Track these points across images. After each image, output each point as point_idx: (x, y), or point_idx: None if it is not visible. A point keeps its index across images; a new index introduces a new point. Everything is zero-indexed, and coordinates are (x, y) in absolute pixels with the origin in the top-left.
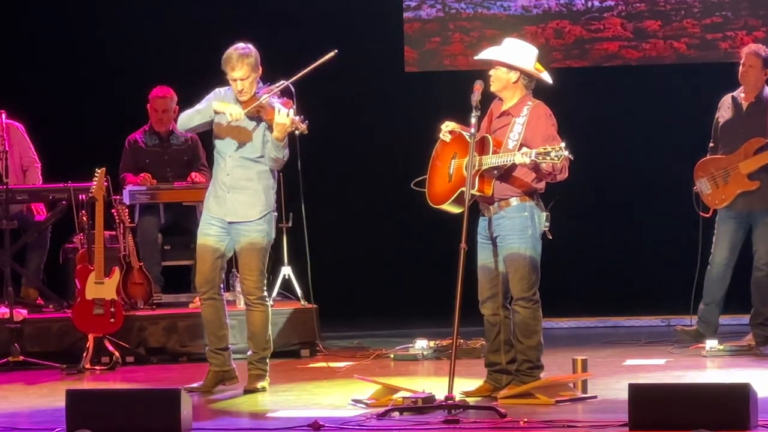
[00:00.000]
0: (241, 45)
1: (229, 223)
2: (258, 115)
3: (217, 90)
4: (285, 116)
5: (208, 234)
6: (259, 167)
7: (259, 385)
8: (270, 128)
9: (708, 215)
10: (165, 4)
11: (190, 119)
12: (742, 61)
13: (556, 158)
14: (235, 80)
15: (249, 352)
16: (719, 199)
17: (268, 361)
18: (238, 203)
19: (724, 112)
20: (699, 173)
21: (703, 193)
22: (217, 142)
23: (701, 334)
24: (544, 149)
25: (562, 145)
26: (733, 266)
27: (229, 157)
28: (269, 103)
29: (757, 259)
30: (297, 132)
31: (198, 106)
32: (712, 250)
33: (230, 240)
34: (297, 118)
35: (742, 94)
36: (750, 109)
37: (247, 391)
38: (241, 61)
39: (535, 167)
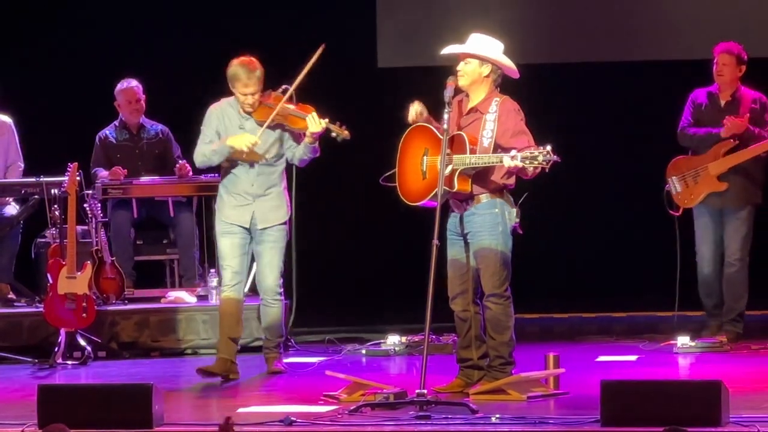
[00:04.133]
0: (246, 60)
1: (254, 228)
2: (280, 124)
3: (211, 111)
4: (319, 125)
5: (234, 233)
6: (278, 170)
7: (279, 367)
8: (292, 133)
9: (678, 214)
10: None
11: (209, 160)
12: (716, 60)
13: (544, 162)
14: (246, 95)
15: (264, 338)
16: (688, 198)
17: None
18: (266, 209)
19: (701, 109)
20: (671, 172)
21: (674, 191)
22: (241, 154)
23: (720, 324)
24: (531, 153)
25: (549, 148)
26: (721, 260)
27: (251, 168)
28: (294, 113)
29: (729, 255)
30: (339, 138)
31: (212, 146)
32: (696, 249)
33: (251, 240)
34: (336, 124)
35: (717, 93)
36: (727, 107)
37: (272, 372)
38: (252, 77)
39: (517, 168)
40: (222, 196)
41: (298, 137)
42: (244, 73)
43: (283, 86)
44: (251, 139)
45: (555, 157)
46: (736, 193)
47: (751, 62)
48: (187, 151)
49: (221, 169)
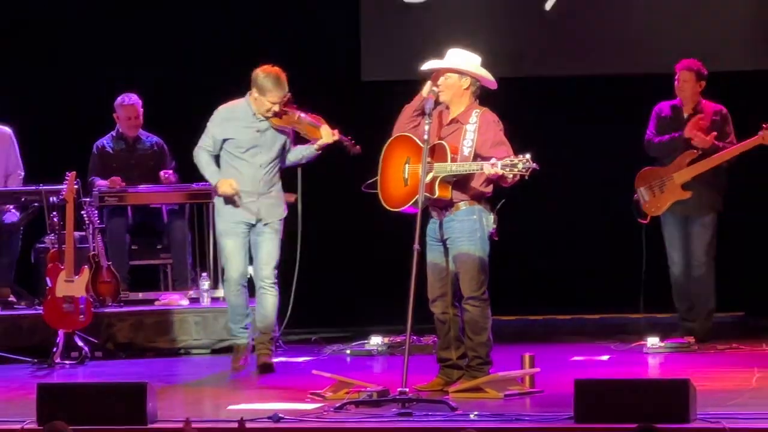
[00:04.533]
0: (276, 71)
1: (258, 222)
2: (289, 129)
3: (219, 112)
4: (331, 136)
5: (237, 234)
6: (277, 168)
7: (271, 360)
8: (301, 140)
9: (646, 222)
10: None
11: (202, 170)
12: (677, 76)
13: (524, 169)
14: (274, 103)
15: (257, 334)
16: (656, 207)
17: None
18: (269, 206)
19: (667, 121)
20: (639, 182)
21: (642, 200)
22: (246, 155)
23: (693, 327)
24: (511, 161)
25: (528, 156)
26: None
27: (260, 166)
28: (310, 123)
29: (695, 259)
30: (351, 153)
31: (207, 169)
32: (668, 255)
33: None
34: (347, 139)
35: (680, 106)
36: (689, 119)
37: (263, 366)
38: (281, 89)
39: (498, 175)
40: (225, 197)
41: (291, 139)
42: (274, 84)
43: (289, 95)
44: (234, 186)
45: (534, 165)
46: (699, 201)
47: (711, 77)
48: (182, 160)
49: (222, 169)
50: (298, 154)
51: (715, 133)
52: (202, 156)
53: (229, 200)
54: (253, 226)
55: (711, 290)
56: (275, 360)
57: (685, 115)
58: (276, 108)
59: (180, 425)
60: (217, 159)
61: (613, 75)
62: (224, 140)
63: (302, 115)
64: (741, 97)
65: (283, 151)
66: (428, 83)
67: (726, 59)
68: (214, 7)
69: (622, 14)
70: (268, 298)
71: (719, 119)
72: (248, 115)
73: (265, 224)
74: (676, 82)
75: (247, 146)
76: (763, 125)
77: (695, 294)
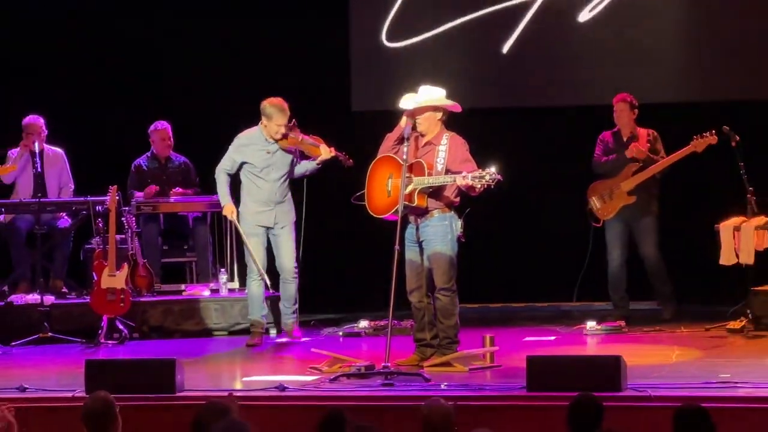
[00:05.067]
0: (280, 101)
1: (275, 225)
2: (294, 148)
3: (239, 138)
4: (329, 153)
5: (257, 234)
6: (287, 182)
7: (298, 334)
8: (305, 157)
9: (599, 225)
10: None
11: (218, 188)
12: (615, 107)
13: (490, 180)
14: (280, 126)
15: (281, 306)
16: (607, 212)
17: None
18: (283, 212)
19: (608, 145)
20: (590, 193)
21: (595, 208)
22: (262, 173)
23: (624, 313)
24: (480, 173)
25: (493, 169)
26: (626, 261)
27: (274, 181)
28: (310, 143)
29: (646, 255)
30: (345, 165)
31: (221, 188)
32: (608, 252)
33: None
34: (342, 154)
35: (619, 131)
36: (627, 142)
37: (289, 335)
38: (285, 116)
39: (468, 186)
40: (246, 204)
41: (296, 158)
42: (278, 111)
43: (293, 121)
44: (233, 214)
45: (498, 176)
46: (641, 205)
47: (643, 107)
48: (205, 176)
49: (244, 185)
50: (303, 168)
51: (648, 145)
52: (221, 177)
53: (247, 209)
54: (270, 228)
55: (665, 277)
56: (281, 340)
57: (625, 139)
58: (283, 130)
59: (199, 393)
60: (235, 176)
61: (559, 106)
62: (243, 163)
63: (304, 137)
64: (666, 124)
65: (291, 167)
66: (404, 117)
67: (653, 93)
68: (228, 53)
69: (567, 55)
70: (291, 287)
71: (652, 139)
72: (261, 140)
73: (282, 227)
74: (614, 112)
75: (261, 166)
76: (694, 136)
77: (653, 282)
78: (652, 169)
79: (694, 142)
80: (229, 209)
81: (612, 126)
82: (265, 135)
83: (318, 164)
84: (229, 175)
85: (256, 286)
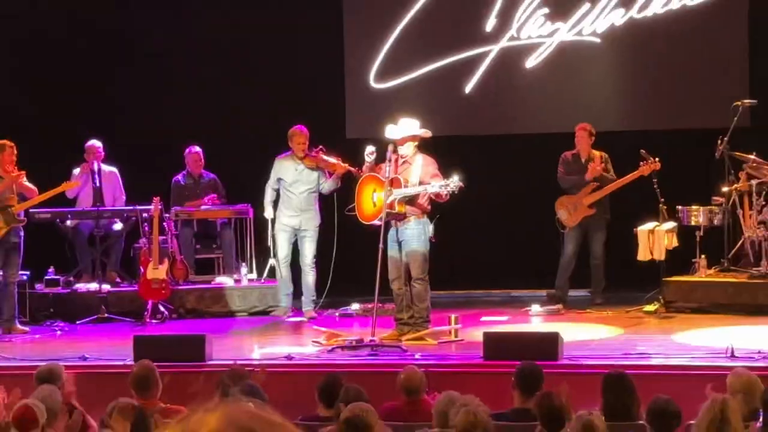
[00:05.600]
0: (300, 128)
1: (300, 228)
2: (318, 167)
3: (276, 161)
4: (343, 168)
5: (285, 232)
6: (312, 194)
7: (314, 315)
8: (324, 173)
9: (566, 231)
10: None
11: (265, 200)
12: (576, 134)
13: (455, 187)
14: (300, 144)
15: (303, 298)
16: (572, 221)
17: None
18: (307, 218)
19: (570, 164)
20: (558, 206)
21: (563, 218)
22: (291, 187)
23: (561, 299)
24: (446, 182)
25: (456, 178)
26: (576, 256)
27: (300, 193)
28: (329, 161)
29: (593, 255)
30: (357, 177)
31: (266, 198)
32: (564, 250)
33: (295, 235)
34: (354, 169)
35: (579, 153)
36: (585, 162)
37: (308, 318)
38: (305, 138)
39: (436, 194)
40: (281, 209)
41: (325, 175)
42: (297, 133)
43: (320, 146)
44: (270, 218)
45: (460, 184)
46: (598, 215)
47: (599, 134)
48: (233, 189)
49: (281, 195)
50: (329, 186)
51: (603, 164)
52: (267, 191)
53: (281, 213)
54: (297, 230)
55: (603, 274)
56: (293, 320)
57: (583, 160)
58: (303, 147)
59: (224, 362)
60: (277, 190)
61: (510, 134)
62: (279, 179)
63: (324, 157)
64: (615, 148)
65: (317, 183)
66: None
67: (606, 122)
68: (247, 91)
69: (517, 94)
70: (309, 277)
71: (604, 160)
72: (291, 160)
73: (305, 230)
74: (575, 138)
75: (291, 181)
76: (641, 162)
77: (593, 279)
78: (608, 188)
79: (641, 167)
80: (268, 215)
81: (562, 148)
82: (295, 157)
83: (337, 178)
84: (274, 189)
85: (284, 268)
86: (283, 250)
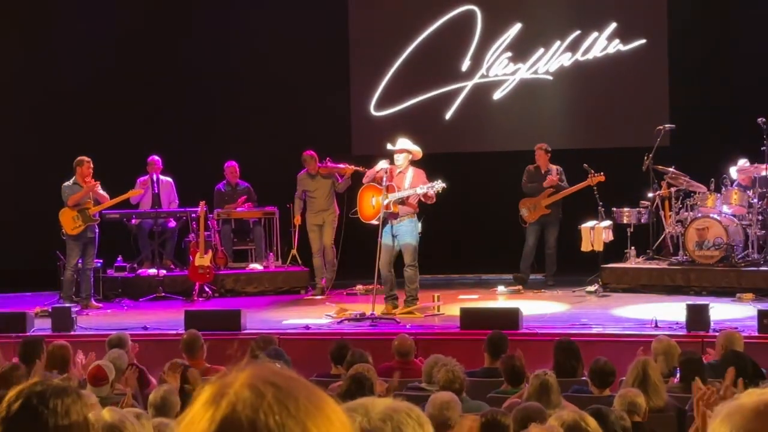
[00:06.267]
0: (311, 152)
1: (323, 225)
2: (330, 173)
3: (299, 178)
4: (351, 169)
5: (313, 230)
6: (329, 197)
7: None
8: (336, 177)
9: (526, 226)
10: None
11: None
12: (536, 152)
13: (439, 188)
14: (311, 164)
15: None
16: (532, 218)
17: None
18: (328, 214)
19: (532, 175)
20: (521, 206)
21: (525, 215)
22: (313, 194)
23: (524, 281)
24: (431, 185)
25: (439, 181)
26: (536, 246)
27: (319, 197)
28: (339, 168)
29: (547, 246)
30: (362, 173)
31: (296, 206)
32: (526, 240)
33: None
34: (361, 168)
35: (539, 166)
36: (544, 174)
37: (320, 291)
38: (313, 158)
39: (424, 195)
40: (309, 213)
41: (338, 179)
42: (311, 159)
43: (327, 158)
44: (298, 221)
45: (443, 185)
46: (553, 214)
47: (553, 151)
48: (262, 195)
49: (306, 201)
50: (343, 186)
51: (558, 176)
52: (295, 202)
53: (309, 214)
54: (321, 225)
55: (555, 261)
56: (308, 297)
57: (543, 172)
58: (315, 164)
59: (255, 331)
60: (304, 200)
61: (483, 151)
62: (304, 190)
63: (334, 165)
64: (565, 161)
65: (332, 187)
66: (382, 161)
67: (558, 141)
68: (267, 112)
69: (487, 120)
70: (329, 253)
71: (560, 172)
72: (308, 177)
73: (325, 224)
74: (535, 154)
75: (311, 189)
76: (589, 174)
77: (547, 265)
78: (562, 193)
79: (589, 179)
80: (297, 220)
81: (526, 162)
82: (311, 170)
83: (348, 177)
84: (301, 200)
85: (317, 258)
86: (315, 244)
